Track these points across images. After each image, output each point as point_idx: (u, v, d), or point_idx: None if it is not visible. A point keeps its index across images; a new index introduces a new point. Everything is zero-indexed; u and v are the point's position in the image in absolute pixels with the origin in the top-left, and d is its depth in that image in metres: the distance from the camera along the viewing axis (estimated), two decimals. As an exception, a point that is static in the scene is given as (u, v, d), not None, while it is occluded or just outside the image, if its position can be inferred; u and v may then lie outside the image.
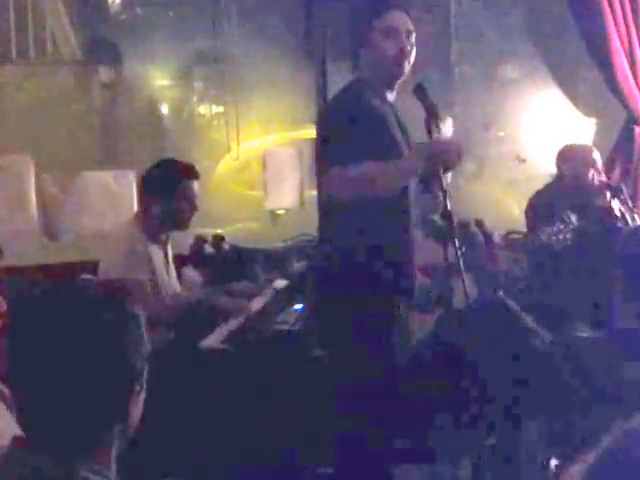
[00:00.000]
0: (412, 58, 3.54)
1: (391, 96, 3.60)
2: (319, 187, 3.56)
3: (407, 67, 3.53)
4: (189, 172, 4.22)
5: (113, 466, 1.65)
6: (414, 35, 3.54)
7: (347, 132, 3.32)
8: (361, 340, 3.36)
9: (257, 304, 4.34)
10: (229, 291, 4.40)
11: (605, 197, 4.97)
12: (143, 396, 1.67)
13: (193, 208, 4.19)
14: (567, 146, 5.15)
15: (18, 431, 1.66)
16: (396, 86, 3.59)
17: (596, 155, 5.08)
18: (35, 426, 1.61)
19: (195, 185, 4.20)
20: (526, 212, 5.06)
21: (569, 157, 5.05)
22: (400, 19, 3.52)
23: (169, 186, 4.14)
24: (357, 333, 3.36)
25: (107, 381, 1.60)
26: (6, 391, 2.39)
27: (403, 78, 3.57)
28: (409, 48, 3.51)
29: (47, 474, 1.57)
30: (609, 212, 4.88)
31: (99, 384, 1.59)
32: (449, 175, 3.47)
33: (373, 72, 3.54)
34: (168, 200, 4.13)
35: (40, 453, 1.58)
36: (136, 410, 1.66)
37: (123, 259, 4.02)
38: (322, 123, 3.57)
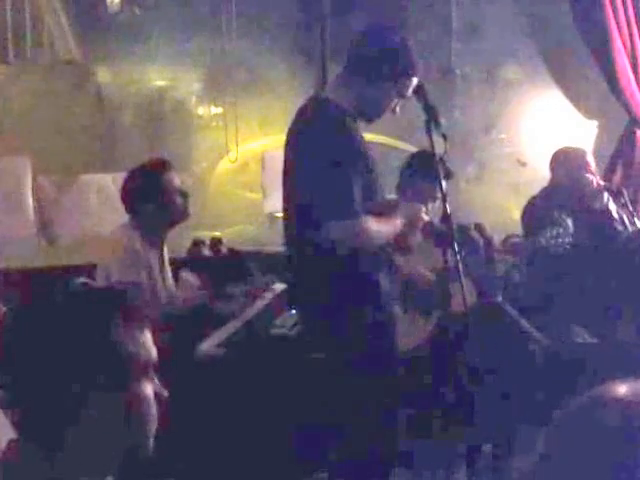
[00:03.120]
0: None
1: None
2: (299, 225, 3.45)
3: None
4: (163, 166, 4.24)
5: (110, 471, 1.64)
6: None
7: (339, 177, 3.25)
8: (348, 346, 3.33)
9: (255, 308, 4.32)
10: (227, 295, 4.39)
11: (602, 200, 4.94)
12: (149, 402, 1.66)
13: (185, 196, 4.21)
14: (559, 150, 5.12)
15: (14, 435, 1.64)
16: None
17: (589, 158, 5.05)
18: (31, 430, 1.59)
19: (175, 175, 4.21)
20: (522, 217, 5.03)
21: (562, 161, 5.02)
22: (413, 87, 3.42)
23: (153, 187, 4.15)
24: (342, 336, 3.33)
25: (102, 384, 1.57)
26: (2, 394, 2.37)
27: None
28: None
29: (44, 478, 1.56)
30: (607, 215, 4.85)
31: (94, 387, 1.57)
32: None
33: (358, 108, 3.42)
34: (158, 199, 4.13)
35: (37, 457, 1.57)
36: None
37: (121, 261, 4.03)
38: (304, 159, 3.39)
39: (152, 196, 4.14)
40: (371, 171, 3.37)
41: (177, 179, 4.22)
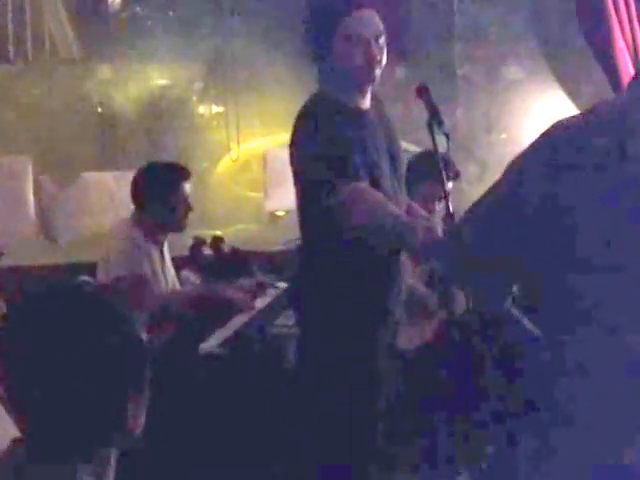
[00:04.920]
0: (383, 60, 3.29)
1: (364, 102, 3.37)
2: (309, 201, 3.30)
3: (378, 73, 3.29)
4: (181, 174, 4.26)
5: (112, 470, 1.65)
6: (384, 36, 3.27)
7: (336, 147, 3.13)
8: (349, 346, 3.29)
9: (258, 305, 4.33)
10: (234, 287, 4.41)
11: None
12: (145, 400, 1.66)
13: (188, 209, 4.24)
14: None
15: (16, 434, 1.65)
16: (369, 90, 3.37)
17: None
18: (33, 429, 1.60)
19: (188, 186, 4.24)
20: None
21: None
22: (364, 22, 3.23)
23: (163, 191, 4.19)
24: (343, 337, 3.30)
25: (102, 384, 1.58)
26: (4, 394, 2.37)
27: (375, 84, 3.36)
28: (378, 54, 3.25)
29: (45, 477, 1.57)
30: None
31: (94, 387, 1.58)
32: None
33: (340, 83, 3.30)
34: (163, 205, 4.17)
35: (38, 456, 1.58)
36: (134, 414, 1.63)
37: (124, 255, 4.06)
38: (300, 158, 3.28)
39: (162, 197, 4.16)
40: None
41: (189, 190, 4.25)
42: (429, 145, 3.47)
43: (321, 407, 3.34)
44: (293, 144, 3.34)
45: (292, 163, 3.35)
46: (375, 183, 3.28)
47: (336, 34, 3.23)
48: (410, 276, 3.96)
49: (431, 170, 3.57)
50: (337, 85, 3.33)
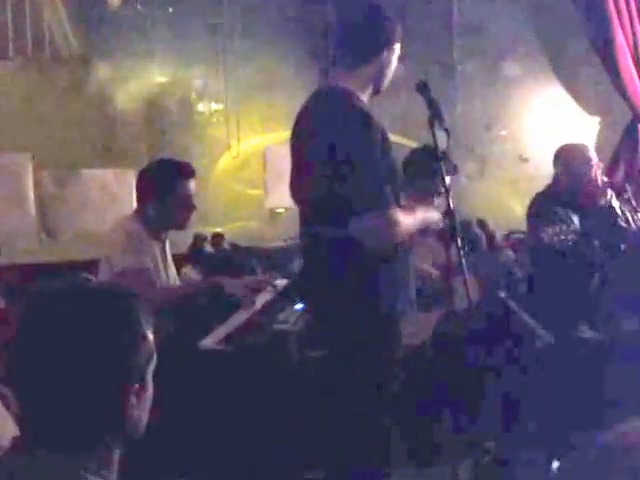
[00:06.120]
0: None
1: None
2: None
3: None
4: (185, 171, 4.22)
5: (114, 467, 1.64)
6: None
7: (368, 166, 3.17)
8: (354, 340, 3.29)
9: (259, 302, 4.32)
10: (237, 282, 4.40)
11: (606, 196, 4.94)
12: (148, 397, 1.65)
13: (191, 207, 4.20)
14: (562, 146, 5.11)
15: (18, 431, 1.64)
16: None
17: (592, 154, 5.05)
18: (35, 426, 1.59)
19: (192, 184, 4.21)
20: (527, 215, 5.03)
21: (565, 158, 5.02)
22: (399, 49, 3.44)
23: (166, 187, 4.15)
24: (349, 332, 3.30)
25: (103, 380, 1.58)
26: (6, 391, 2.36)
27: None
28: None
29: (47, 475, 1.56)
30: (611, 211, 4.86)
31: (96, 383, 1.57)
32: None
33: (365, 85, 3.36)
34: (165, 201, 4.14)
35: (40, 453, 1.57)
36: (138, 410, 1.63)
37: (126, 249, 4.02)
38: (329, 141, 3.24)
39: (160, 194, 4.14)
40: (389, 157, 3.34)
41: (193, 189, 4.21)
42: (428, 141, 3.47)
43: (328, 398, 3.35)
44: (317, 140, 3.32)
45: (311, 150, 3.34)
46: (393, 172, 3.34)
47: (387, 52, 3.35)
48: (422, 261, 3.96)
49: (428, 165, 3.57)
50: (359, 87, 3.36)
